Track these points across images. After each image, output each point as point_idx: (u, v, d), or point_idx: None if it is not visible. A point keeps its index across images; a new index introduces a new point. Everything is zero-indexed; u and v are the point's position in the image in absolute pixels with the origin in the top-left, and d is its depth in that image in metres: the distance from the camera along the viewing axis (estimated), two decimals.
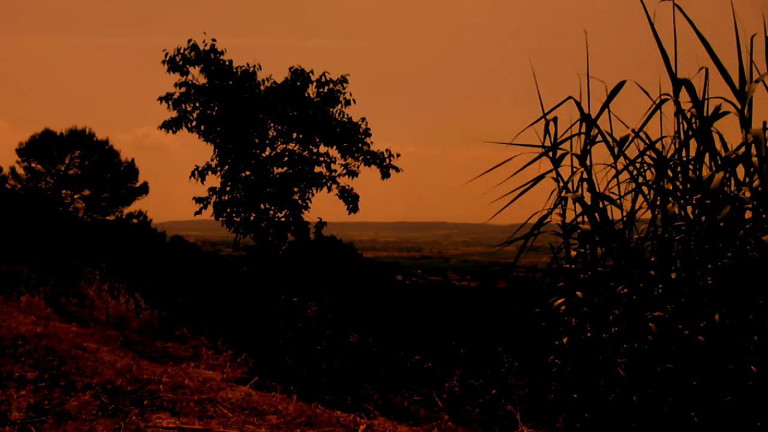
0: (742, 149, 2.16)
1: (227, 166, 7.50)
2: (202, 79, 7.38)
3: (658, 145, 2.40)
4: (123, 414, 2.49)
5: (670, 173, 2.34)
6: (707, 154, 2.26)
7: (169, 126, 7.43)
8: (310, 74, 7.58)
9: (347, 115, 7.69)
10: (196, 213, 7.56)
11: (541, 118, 2.57)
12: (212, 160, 7.52)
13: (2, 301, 5.41)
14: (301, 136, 7.67)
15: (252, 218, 7.56)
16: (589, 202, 2.39)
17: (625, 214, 2.44)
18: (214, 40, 7.35)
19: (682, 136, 2.31)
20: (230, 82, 7.36)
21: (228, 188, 7.53)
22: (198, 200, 7.55)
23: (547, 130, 2.57)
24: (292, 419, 2.65)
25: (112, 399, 2.67)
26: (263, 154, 7.64)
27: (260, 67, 7.60)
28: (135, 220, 20.63)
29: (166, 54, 7.30)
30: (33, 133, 20.25)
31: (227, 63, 7.38)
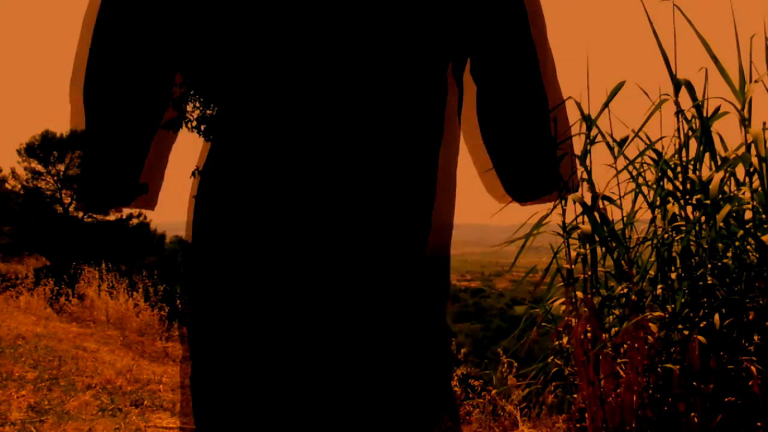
0: (742, 149, 2.16)
1: None
2: None
3: (658, 145, 2.40)
4: (123, 414, 2.49)
5: (670, 173, 2.34)
6: (707, 154, 2.26)
7: (170, 126, 7.43)
8: None
9: None
10: None
11: None
12: None
13: (2, 301, 5.41)
14: None
15: None
16: (589, 203, 2.39)
17: (625, 214, 2.44)
18: None
19: (682, 136, 2.31)
20: None
21: None
22: None
23: None
24: None
25: (112, 399, 2.67)
26: None
27: None
28: (135, 220, 20.63)
29: None
30: (33, 134, 20.27)
31: None
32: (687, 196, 2.28)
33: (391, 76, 0.86)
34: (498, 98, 1.08)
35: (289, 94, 0.86)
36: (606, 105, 2.44)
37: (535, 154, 1.13)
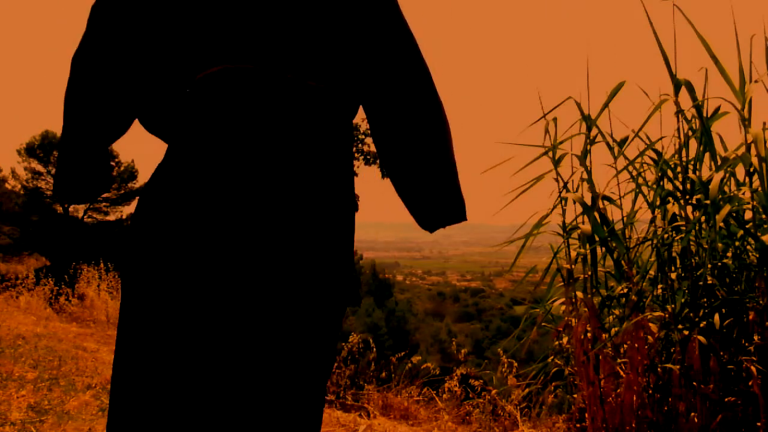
0: (742, 149, 2.16)
1: None
2: None
3: (658, 145, 2.40)
4: None
5: (670, 173, 2.34)
6: (707, 154, 2.26)
7: None
8: None
9: None
10: None
11: (541, 118, 2.57)
12: None
13: (2, 301, 5.41)
14: None
15: None
16: (589, 203, 2.39)
17: (625, 214, 2.44)
18: None
19: (682, 137, 2.31)
20: None
21: None
22: None
23: (547, 131, 2.57)
24: None
25: None
26: None
27: None
28: None
29: None
30: (33, 134, 20.27)
31: None
32: (687, 196, 2.28)
33: (302, 120, 1.06)
34: (392, 143, 1.19)
35: (223, 129, 1.03)
36: (606, 105, 2.44)
37: (433, 191, 1.19)
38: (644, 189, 2.43)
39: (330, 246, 1.06)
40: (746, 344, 2.07)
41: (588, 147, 2.47)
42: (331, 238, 1.06)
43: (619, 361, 2.31)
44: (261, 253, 0.99)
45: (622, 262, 2.36)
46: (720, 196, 2.11)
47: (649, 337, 2.24)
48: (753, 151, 2.10)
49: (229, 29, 1.05)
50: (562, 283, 2.54)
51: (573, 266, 2.53)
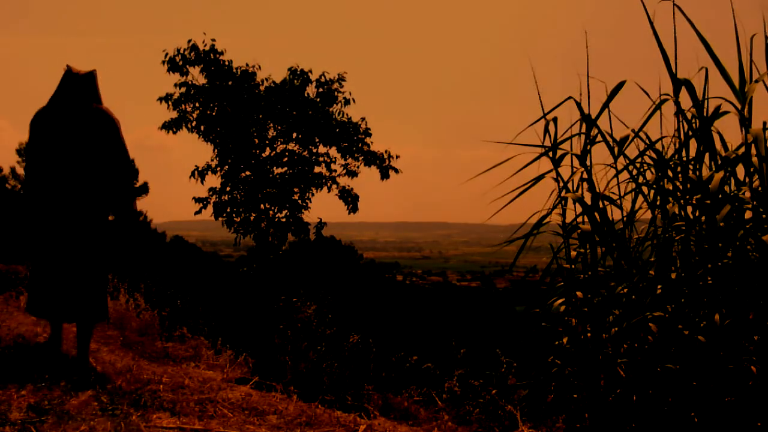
0: (742, 149, 2.16)
1: (227, 166, 7.50)
2: (201, 80, 7.38)
3: (658, 145, 2.40)
4: (123, 414, 2.49)
5: (670, 173, 2.34)
6: (707, 154, 2.26)
7: (170, 127, 7.42)
8: (309, 74, 7.57)
9: (347, 114, 7.68)
10: (196, 213, 7.56)
11: (541, 118, 2.57)
12: (212, 160, 7.52)
13: (2, 301, 5.41)
14: (300, 136, 7.66)
15: (252, 218, 7.57)
16: (589, 202, 2.39)
17: (625, 214, 2.44)
18: (213, 40, 7.35)
19: (682, 136, 2.31)
20: (230, 83, 7.35)
21: (228, 188, 7.53)
22: (197, 200, 7.55)
23: (547, 130, 2.57)
24: (292, 419, 2.64)
25: (111, 399, 2.67)
26: (263, 154, 7.64)
27: (260, 67, 7.60)
28: None
29: (166, 54, 7.30)
30: None
31: (227, 63, 7.38)
32: (687, 196, 2.28)
33: (88, 182, 3.22)
34: (113, 193, 3.32)
35: (59, 178, 3.20)
36: (606, 105, 2.44)
37: (123, 212, 3.37)
38: (644, 189, 2.43)
39: (94, 218, 3.23)
40: (746, 344, 2.07)
41: (588, 147, 2.47)
42: (94, 214, 3.23)
43: (619, 361, 2.31)
44: (73, 214, 3.18)
45: (622, 262, 2.36)
46: (720, 196, 2.11)
47: (649, 337, 2.24)
48: (753, 150, 2.09)
49: (61, 151, 3.19)
50: (562, 283, 2.54)
51: (573, 266, 2.53)
